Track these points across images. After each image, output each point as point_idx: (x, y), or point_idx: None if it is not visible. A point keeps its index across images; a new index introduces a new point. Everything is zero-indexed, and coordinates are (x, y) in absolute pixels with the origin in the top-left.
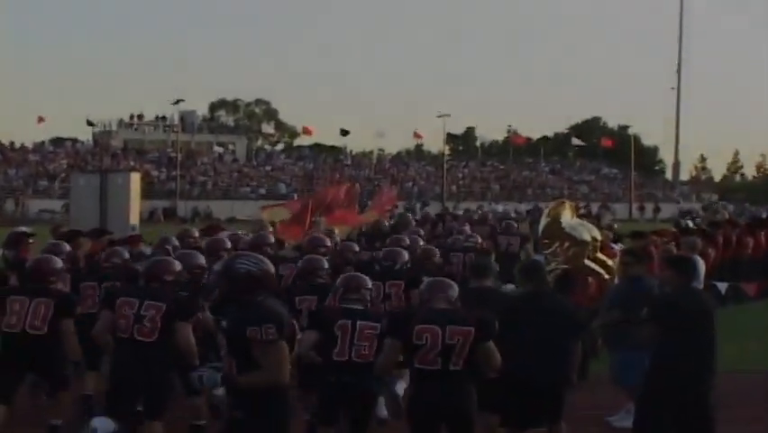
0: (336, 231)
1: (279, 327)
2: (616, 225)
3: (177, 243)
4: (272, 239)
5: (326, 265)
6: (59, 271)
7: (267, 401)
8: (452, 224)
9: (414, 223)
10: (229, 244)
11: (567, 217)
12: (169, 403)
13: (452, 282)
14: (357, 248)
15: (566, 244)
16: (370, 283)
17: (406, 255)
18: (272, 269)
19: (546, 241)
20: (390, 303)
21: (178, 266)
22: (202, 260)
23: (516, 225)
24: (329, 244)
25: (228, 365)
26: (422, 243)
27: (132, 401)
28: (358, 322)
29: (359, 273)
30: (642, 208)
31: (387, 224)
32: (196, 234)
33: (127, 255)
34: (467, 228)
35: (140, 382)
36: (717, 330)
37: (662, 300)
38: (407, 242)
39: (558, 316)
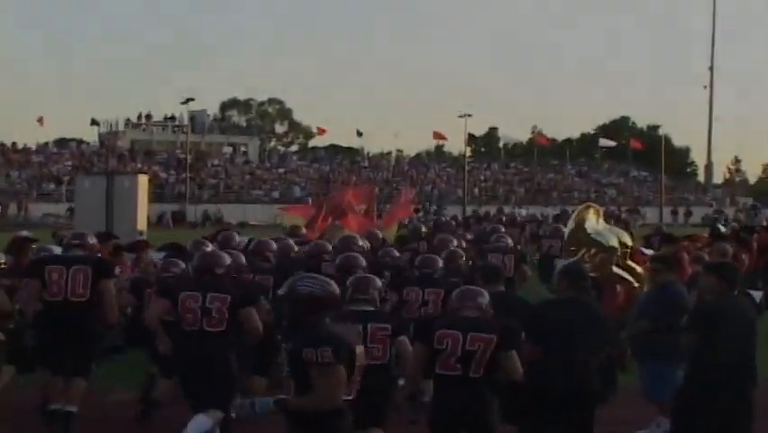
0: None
1: (336, 350)
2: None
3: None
4: (274, 245)
5: (364, 263)
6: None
7: (320, 425)
8: (480, 226)
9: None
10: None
11: (592, 222)
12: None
13: (482, 290)
14: (396, 253)
15: (593, 251)
16: (379, 283)
17: (440, 262)
18: (336, 289)
19: (573, 248)
20: (427, 310)
21: (227, 259)
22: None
23: (562, 228)
24: (361, 244)
25: (289, 387)
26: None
27: (197, 391)
28: (369, 325)
29: (368, 274)
30: (675, 213)
31: (423, 228)
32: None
33: (183, 265)
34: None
35: (207, 371)
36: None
37: (704, 309)
38: (455, 243)
39: (590, 325)
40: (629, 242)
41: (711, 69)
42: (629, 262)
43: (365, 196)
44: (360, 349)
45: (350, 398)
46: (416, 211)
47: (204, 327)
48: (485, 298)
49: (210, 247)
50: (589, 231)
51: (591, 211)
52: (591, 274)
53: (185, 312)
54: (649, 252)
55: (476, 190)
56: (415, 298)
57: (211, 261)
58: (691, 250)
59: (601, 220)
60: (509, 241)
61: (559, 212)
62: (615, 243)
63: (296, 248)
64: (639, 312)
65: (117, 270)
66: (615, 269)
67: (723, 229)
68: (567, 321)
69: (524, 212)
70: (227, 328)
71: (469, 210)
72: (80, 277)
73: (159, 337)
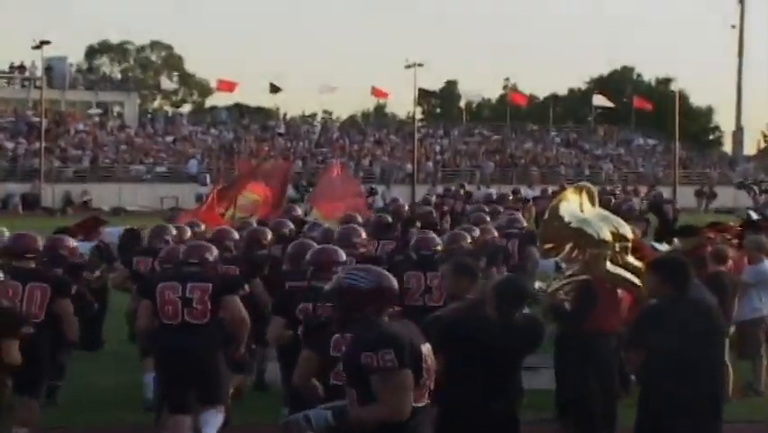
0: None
1: (399, 353)
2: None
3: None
4: (236, 234)
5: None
6: None
7: None
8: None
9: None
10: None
11: (572, 206)
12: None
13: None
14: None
15: (580, 246)
16: (343, 257)
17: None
18: (392, 282)
19: (549, 244)
20: (431, 297)
21: (215, 251)
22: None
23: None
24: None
25: (349, 398)
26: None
27: (183, 393)
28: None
29: (331, 246)
30: (700, 194)
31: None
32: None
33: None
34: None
35: (192, 369)
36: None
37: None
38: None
39: (704, 321)
40: (629, 233)
41: (742, 1)
42: (632, 260)
43: (274, 174)
44: (426, 348)
45: (421, 405)
46: (369, 206)
47: (185, 318)
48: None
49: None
50: (567, 219)
51: (571, 194)
52: (582, 276)
53: (164, 304)
54: (664, 247)
55: (430, 165)
56: (416, 284)
57: (201, 249)
58: (721, 242)
59: (587, 202)
60: (523, 223)
61: (539, 193)
62: (607, 234)
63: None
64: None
65: None
66: (611, 267)
67: (754, 216)
68: (683, 318)
69: (493, 193)
70: (211, 320)
71: (421, 191)
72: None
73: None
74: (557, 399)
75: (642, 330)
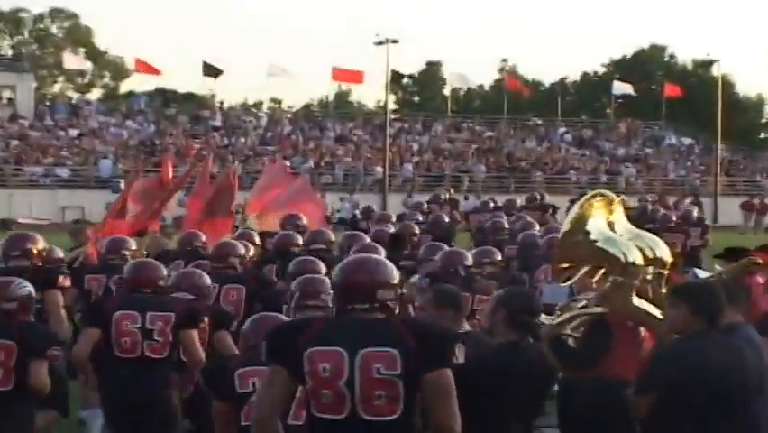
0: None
1: (270, 346)
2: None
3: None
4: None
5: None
6: None
7: None
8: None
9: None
10: None
11: (599, 222)
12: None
13: None
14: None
15: (601, 271)
16: (330, 287)
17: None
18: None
19: (564, 265)
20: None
21: (164, 270)
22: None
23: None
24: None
25: None
26: None
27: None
28: None
29: (319, 276)
30: (751, 207)
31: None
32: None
33: None
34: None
35: (145, 410)
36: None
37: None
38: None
39: (739, 366)
40: (667, 257)
41: None
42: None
43: (218, 184)
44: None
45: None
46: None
47: (144, 352)
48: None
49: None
50: (593, 237)
51: (599, 204)
52: (598, 309)
53: (120, 336)
54: (703, 273)
55: (409, 168)
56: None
57: (150, 271)
58: None
59: (620, 217)
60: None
61: (477, 204)
62: (637, 257)
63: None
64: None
65: None
66: (637, 301)
67: None
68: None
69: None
70: (170, 355)
71: (395, 202)
72: None
73: (83, 375)
74: None
75: (655, 370)
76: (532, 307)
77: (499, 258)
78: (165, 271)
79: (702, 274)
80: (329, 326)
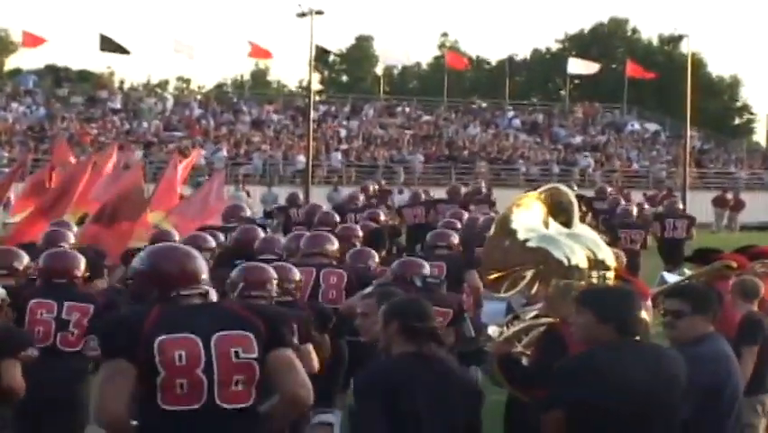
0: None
1: (106, 340)
2: None
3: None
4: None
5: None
6: None
7: None
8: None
9: None
10: None
11: (532, 219)
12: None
13: None
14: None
15: (542, 275)
16: (274, 275)
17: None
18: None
19: (495, 272)
20: None
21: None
22: None
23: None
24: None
25: None
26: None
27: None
28: None
29: (262, 264)
30: (723, 203)
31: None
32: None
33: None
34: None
35: (53, 404)
36: None
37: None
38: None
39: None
40: (610, 259)
41: None
42: None
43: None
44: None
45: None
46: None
47: (57, 344)
48: None
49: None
50: (522, 235)
51: (534, 198)
52: (546, 320)
53: (34, 324)
54: (672, 277)
55: (337, 157)
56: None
57: (67, 261)
58: (751, 273)
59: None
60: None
61: (407, 199)
62: (581, 260)
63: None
64: None
65: None
66: None
67: None
68: None
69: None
70: (83, 348)
71: (319, 196)
72: None
73: None
74: None
75: (559, 385)
76: (425, 312)
77: (456, 241)
78: (83, 263)
79: (671, 278)
80: (170, 313)
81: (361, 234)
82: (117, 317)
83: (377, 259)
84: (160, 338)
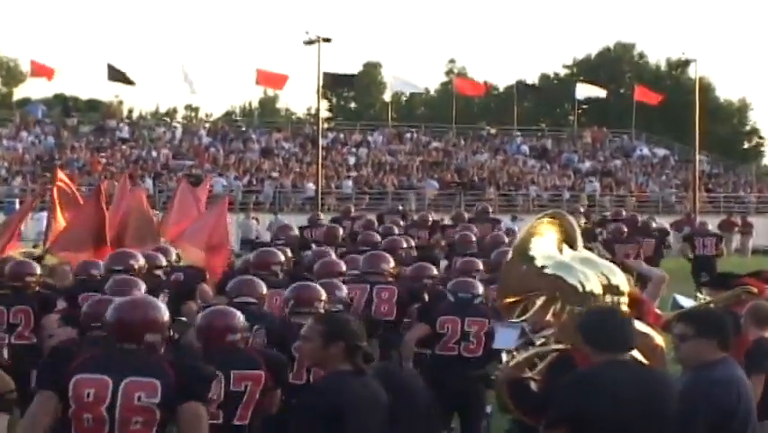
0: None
1: (39, 373)
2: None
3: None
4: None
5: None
6: None
7: None
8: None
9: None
10: None
11: (548, 245)
12: None
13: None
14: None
15: (556, 302)
16: (323, 295)
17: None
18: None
19: (509, 298)
20: (468, 345)
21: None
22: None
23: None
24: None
25: None
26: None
27: None
28: None
29: (311, 283)
30: (730, 226)
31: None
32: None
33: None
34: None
35: None
36: None
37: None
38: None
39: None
40: (623, 284)
41: None
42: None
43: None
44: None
45: None
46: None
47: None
48: None
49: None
50: (539, 263)
51: (548, 225)
52: (559, 345)
53: None
54: (687, 301)
55: (349, 183)
56: (452, 331)
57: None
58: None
59: (578, 242)
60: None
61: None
62: (596, 286)
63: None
64: None
65: None
66: None
67: None
68: None
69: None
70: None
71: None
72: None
73: None
74: None
75: (564, 400)
76: (361, 332)
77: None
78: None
79: (686, 303)
80: (100, 356)
81: (405, 244)
82: (56, 352)
83: (434, 272)
84: (77, 377)
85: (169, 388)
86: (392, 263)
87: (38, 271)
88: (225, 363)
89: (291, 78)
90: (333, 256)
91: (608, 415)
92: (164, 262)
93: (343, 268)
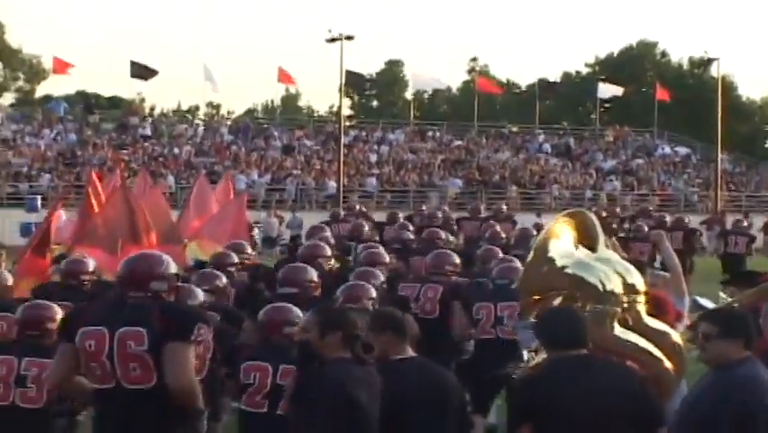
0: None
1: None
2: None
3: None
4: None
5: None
6: None
7: None
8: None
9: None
10: None
11: (567, 245)
12: None
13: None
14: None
15: (576, 303)
16: (373, 293)
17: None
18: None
19: (532, 298)
20: (503, 328)
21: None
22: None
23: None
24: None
25: None
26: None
27: None
28: None
29: (361, 283)
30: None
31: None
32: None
33: None
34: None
35: None
36: None
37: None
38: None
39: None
40: (640, 284)
41: None
42: (651, 322)
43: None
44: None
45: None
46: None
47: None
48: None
49: None
50: (560, 263)
51: (565, 224)
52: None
53: None
54: (707, 303)
55: (373, 181)
56: (487, 317)
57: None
58: None
59: (599, 239)
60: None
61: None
62: (617, 285)
63: None
64: (681, 419)
65: None
66: (619, 331)
67: None
68: None
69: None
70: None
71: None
72: None
73: None
74: None
75: (523, 394)
76: (360, 323)
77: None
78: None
79: (706, 303)
80: (100, 309)
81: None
82: (73, 310)
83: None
84: (82, 329)
85: (155, 335)
86: (457, 260)
87: (91, 268)
88: (276, 356)
89: (313, 75)
90: (381, 249)
91: (566, 408)
92: (236, 260)
93: (386, 259)
